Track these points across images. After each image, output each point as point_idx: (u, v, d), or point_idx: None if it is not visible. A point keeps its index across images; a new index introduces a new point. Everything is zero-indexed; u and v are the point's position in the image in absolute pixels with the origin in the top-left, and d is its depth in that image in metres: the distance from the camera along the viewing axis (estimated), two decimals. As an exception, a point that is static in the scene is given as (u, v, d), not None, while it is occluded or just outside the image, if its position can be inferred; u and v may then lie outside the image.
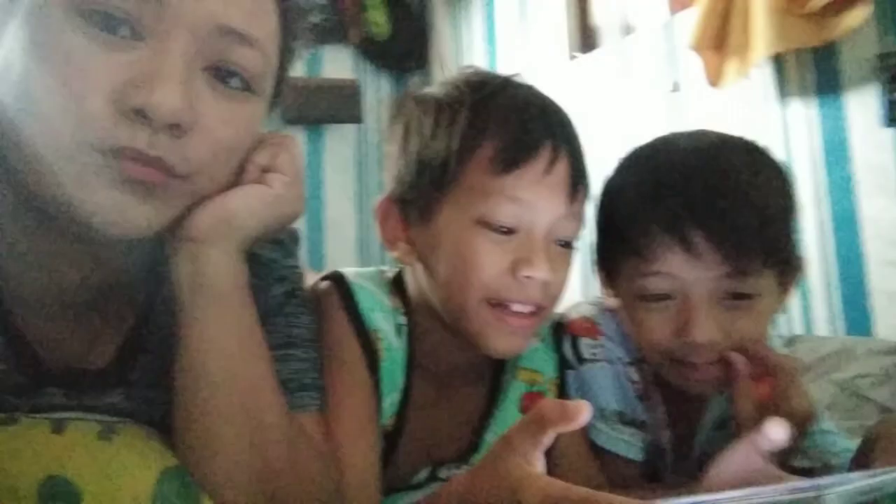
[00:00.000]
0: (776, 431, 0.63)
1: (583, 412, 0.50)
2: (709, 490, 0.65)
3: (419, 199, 0.77)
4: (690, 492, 0.64)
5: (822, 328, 1.87)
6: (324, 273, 0.84)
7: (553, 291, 0.76)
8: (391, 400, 0.80)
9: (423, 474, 0.82)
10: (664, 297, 0.80)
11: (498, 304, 0.74)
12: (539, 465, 0.53)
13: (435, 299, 0.78)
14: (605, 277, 0.90)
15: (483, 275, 0.72)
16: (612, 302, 0.91)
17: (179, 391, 0.58)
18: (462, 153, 0.74)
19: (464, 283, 0.73)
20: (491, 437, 0.85)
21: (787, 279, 0.83)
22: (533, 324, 0.76)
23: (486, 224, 0.73)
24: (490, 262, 0.73)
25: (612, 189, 0.87)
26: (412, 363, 0.81)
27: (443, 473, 0.83)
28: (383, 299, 0.81)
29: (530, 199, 0.73)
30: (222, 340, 0.57)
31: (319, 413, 0.69)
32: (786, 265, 0.82)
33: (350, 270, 0.84)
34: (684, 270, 0.78)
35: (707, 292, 0.78)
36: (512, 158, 0.72)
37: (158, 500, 0.50)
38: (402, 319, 0.81)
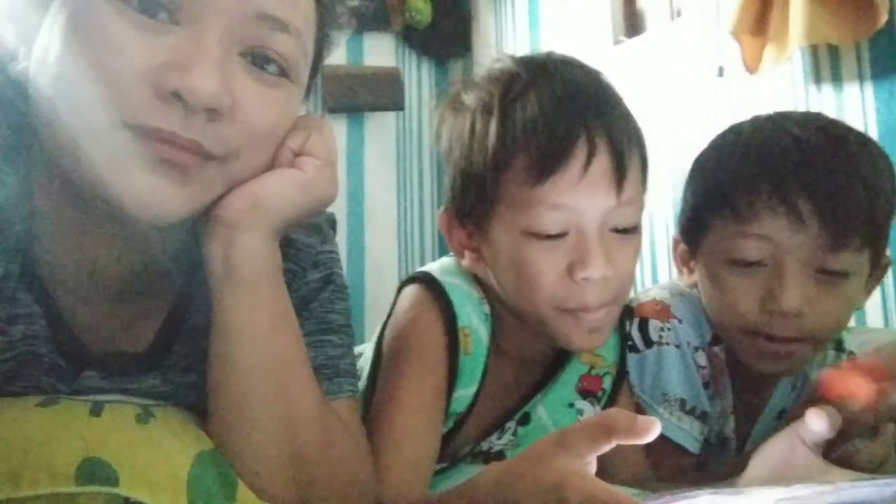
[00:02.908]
0: (816, 422, 0.61)
1: (653, 430, 0.49)
2: (751, 482, 0.63)
3: (471, 212, 0.77)
4: (731, 483, 0.63)
5: (874, 320, 1.81)
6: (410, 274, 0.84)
7: (619, 282, 0.74)
8: (470, 391, 0.80)
9: (465, 448, 0.83)
10: (755, 263, 0.79)
11: (569, 309, 0.73)
12: (591, 467, 0.52)
13: (508, 302, 0.78)
14: (686, 248, 0.89)
15: (543, 283, 0.72)
16: (688, 279, 0.89)
17: (213, 375, 0.58)
18: (497, 168, 0.73)
19: (529, 294, 0.73)
20: (540, 410, 0.85)
21: (876, 270, 0.83)
22: (608, 316, 0.76)
23: (533, 234, 0.72)
24: (547, 269, 0.72)
25: (714, 154, 0.86)
26: (491, 351, 0.81)
27: (484, 445, 0.83)
28: (472, 291, 0.81)
29: (572, 202, 0.71)
30: (255, 325, 0.57)
31: (354, 399, 0.68)
32: (880, 252, 0.81)
33: (433, 267, 0.84)
34: (784, 235, 0.77)
35: (802, 261, 0.77)
36: (544, 166, 0.70)
37: (194, 483, 0.51)
38: (487, 309, 0.81)
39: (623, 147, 0.73)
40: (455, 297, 0.79)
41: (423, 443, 0.73)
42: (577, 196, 0.71)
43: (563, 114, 0.72)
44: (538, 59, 0.79)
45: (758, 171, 0.79)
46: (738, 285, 0.80)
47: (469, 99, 0.79)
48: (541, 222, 0.71)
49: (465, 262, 0.80)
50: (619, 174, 0.72)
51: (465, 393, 0.80)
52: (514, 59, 0.80)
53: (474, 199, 0.76)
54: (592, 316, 0.74)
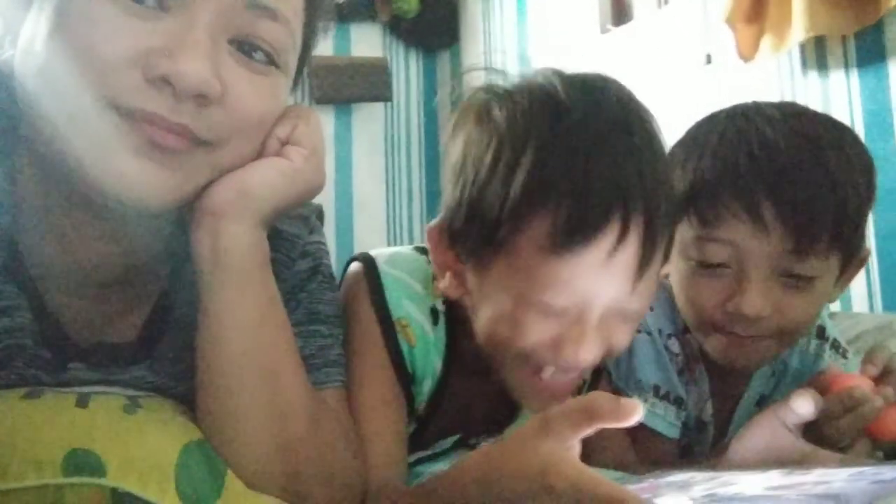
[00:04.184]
0: (803, 405, 0.61)
1: (636, 413, 0.49)
2: (733, 466, 0.63)
3: (468, 245, 0.68)
4: (715, 467, 0.63)
5: (859, 305, 1.82)
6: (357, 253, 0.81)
7: (608, 353, 0.68)
8: (425, 386, 0.78)
9: (448, 441, 0.82)
10: (720, 265, 0.79)
11: (535, 368, 0.68)
12: (574, 450, 0.52)
13: (477, 339, 0.72)
14: None
15: (526, 341, 0.66)
16: (664, 269, 0.89)
17: (201, 365, 0.58)
18: (516, 219, 0.63)
19: (504, 344, 0.68)
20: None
21: (849, 268, 0.82)
22: (572, 385, 0.71)
23: (533, 304, 0.65)
24: (535, 333, 0.66)
25: (684, 149, 0.85)
26: (452, 349, 0.78)
27: (473, 440, 0.83)
28: (414, 286, 0.77)
29: (588, 286, 0.63)
30: (242, 315, 0.57)
31: (343, 389, 0.69)
32: (850, 253, 0.80)
33: (383, 253, 0.80)
34: (747, 241, 0.76)
35: (765, 266, 0.76)
36: (571, 238, 0.61)
37: (182, 473, 0.50)
38: (440, 305, 0.77)
39: (656, 227, 0.64)
40: (390, 288, 0.75)
41: (389, 437, 0.72)
42: (596, 280, 0.63)
43: (606, 173, 0.62)
44: (589, 84, 0.68)
45: (722, 174, 0.77)
46: (702, 285, 0.80)
47: (499, 115, 0.67)
48: (547, 297, 0.64)
49: (443, 283, 0.72)
50: (644, 265, 0.64)
51: (424, 388, 0.77)
52: (559, 76, 0.69)
53: (477, 238, 0.67)
54: (558, 387, 0.69)
